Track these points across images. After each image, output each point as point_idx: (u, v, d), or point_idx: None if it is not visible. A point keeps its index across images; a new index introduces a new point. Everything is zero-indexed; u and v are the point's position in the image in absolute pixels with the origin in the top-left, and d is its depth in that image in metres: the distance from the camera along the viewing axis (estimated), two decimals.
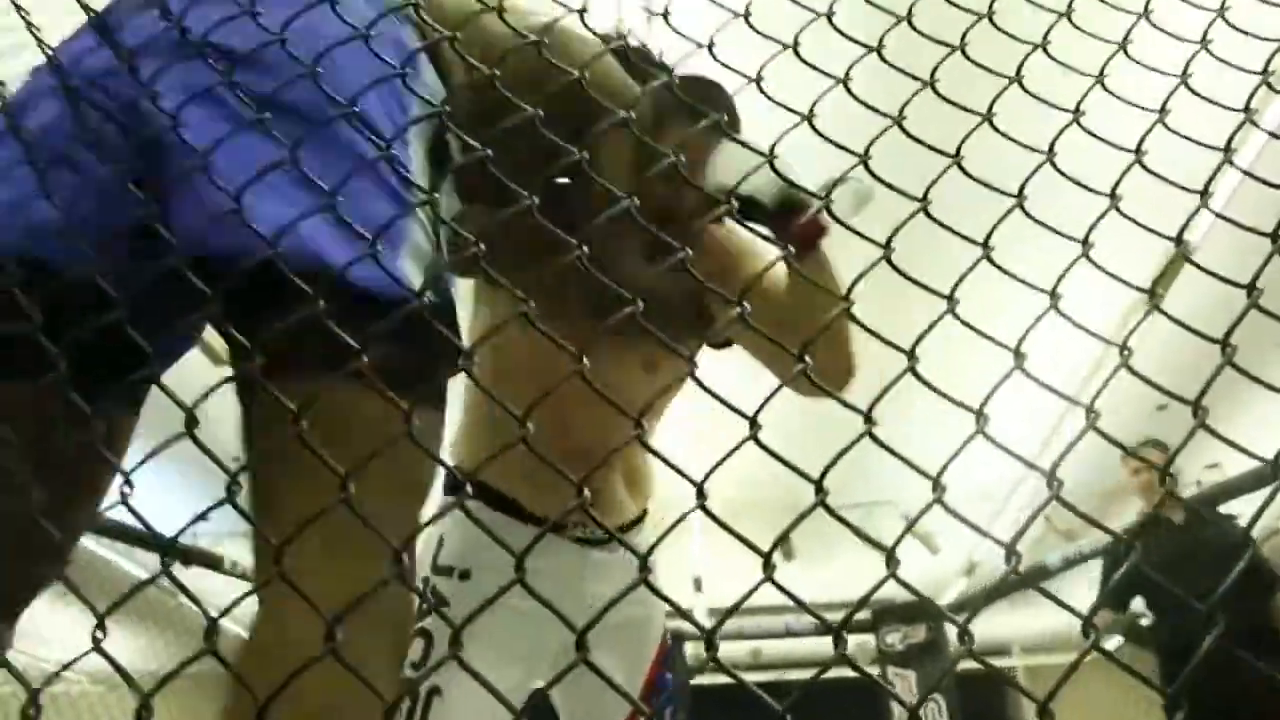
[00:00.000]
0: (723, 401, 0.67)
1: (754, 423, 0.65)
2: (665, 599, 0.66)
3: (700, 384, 0.67)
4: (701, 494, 0.62)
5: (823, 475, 0.64)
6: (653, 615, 1.44)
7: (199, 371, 0.89)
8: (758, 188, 1.09)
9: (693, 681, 5.18)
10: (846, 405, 0.69)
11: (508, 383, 1.15)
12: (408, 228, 0.74)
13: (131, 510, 0.66)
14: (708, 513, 0.61)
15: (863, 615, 5.15)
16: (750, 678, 0.61)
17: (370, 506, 0.56)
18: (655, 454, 0.71)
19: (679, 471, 0.65)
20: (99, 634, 0.59)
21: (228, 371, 0.70)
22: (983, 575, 7.25)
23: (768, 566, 0.61)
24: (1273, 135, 0.90)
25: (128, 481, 0.67)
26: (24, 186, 0.73)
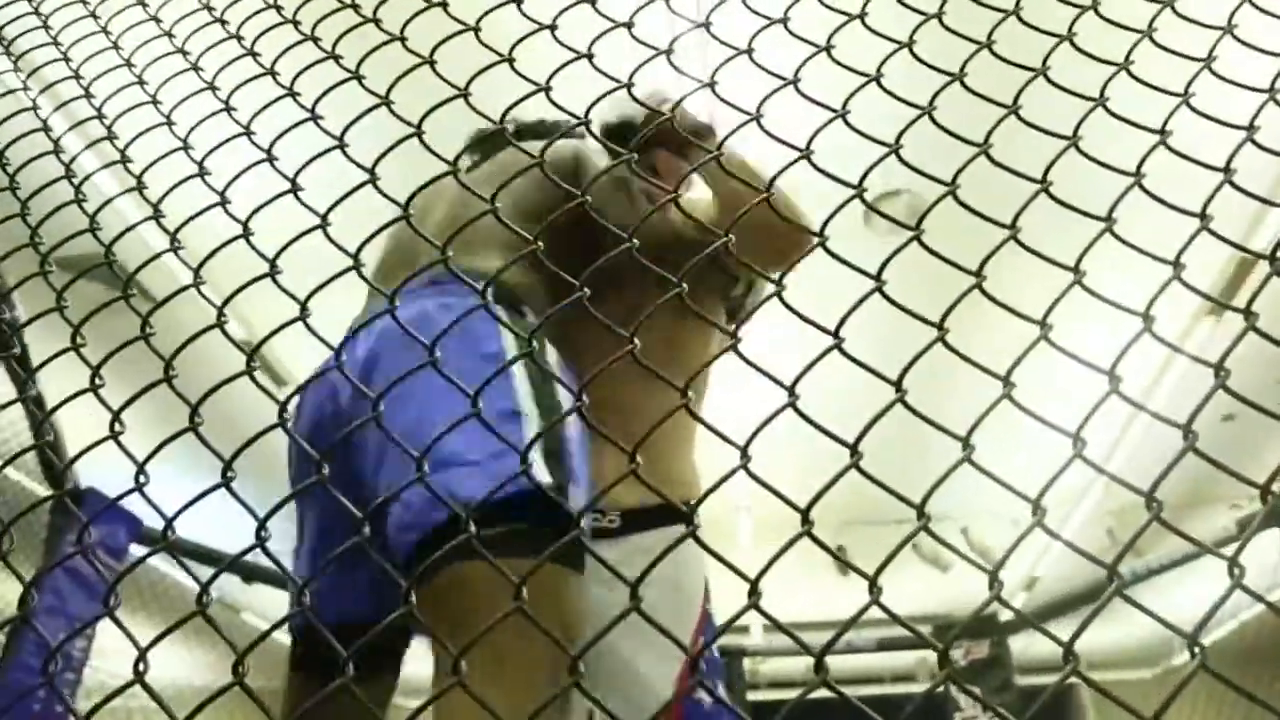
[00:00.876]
0: (821, 429, 0.69)
1: (854, 450, 0.67)
2: (774, 620, 0.67)
3: (801, 414, 0.69)
4: (807, 520, 0.64)
5: (924, 501, 0.65)
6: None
7: None
8: (625, 114, 1.26)
9: (752, 698, 5.13)
10: (942, 429, 0.70)
11: None
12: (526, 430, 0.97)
13: (267, 552, 0.71)
14: (816, 540, 0.63)
15: (924, 630, 5.06)
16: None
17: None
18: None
19: (781, 497, 0.66)
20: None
21: None
22: (1042, 590, 7.08)
23: (874, 589, 0.63)
24: None
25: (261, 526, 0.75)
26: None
